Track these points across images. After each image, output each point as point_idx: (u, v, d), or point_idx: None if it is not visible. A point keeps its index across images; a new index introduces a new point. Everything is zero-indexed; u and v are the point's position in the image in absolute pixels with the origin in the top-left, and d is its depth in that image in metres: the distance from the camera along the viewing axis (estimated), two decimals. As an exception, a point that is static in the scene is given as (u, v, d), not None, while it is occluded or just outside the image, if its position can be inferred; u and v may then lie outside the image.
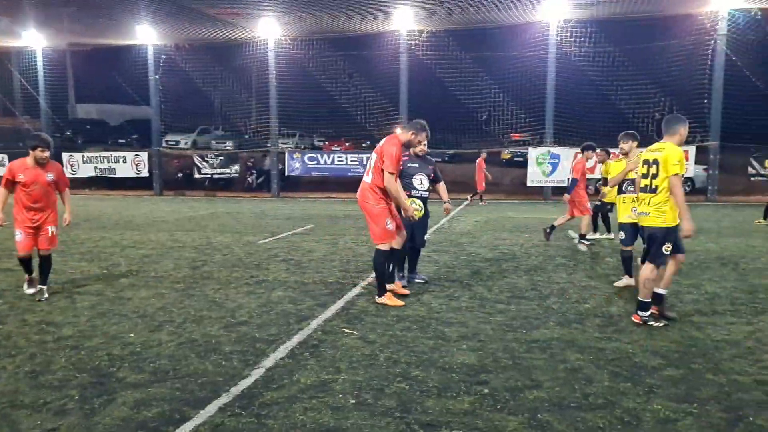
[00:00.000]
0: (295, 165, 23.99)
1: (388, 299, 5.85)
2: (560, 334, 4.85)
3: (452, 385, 3.78)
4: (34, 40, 25.04)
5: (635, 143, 6.61)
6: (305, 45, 23.24)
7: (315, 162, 23.93)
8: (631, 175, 6.27)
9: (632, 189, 6.22)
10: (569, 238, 10.64)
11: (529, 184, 21.72)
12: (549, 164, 21.11)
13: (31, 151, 5.92)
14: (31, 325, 5.12)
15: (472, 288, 6.56)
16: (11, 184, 5.98)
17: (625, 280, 6.63)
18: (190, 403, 3.51)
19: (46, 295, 6.08)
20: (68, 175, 26.83)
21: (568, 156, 20.83)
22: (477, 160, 19.56)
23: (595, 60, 20.74)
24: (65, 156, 26.22)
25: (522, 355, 4.34)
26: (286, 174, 24.24)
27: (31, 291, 6.18)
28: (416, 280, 6.78)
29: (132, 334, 4.85)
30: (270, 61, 23.36)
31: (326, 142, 29.73)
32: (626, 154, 6.59)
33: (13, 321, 5.27)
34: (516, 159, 26.04)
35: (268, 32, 22.75)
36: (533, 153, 21.40)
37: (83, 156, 26.29)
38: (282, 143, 25.17)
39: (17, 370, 4.04)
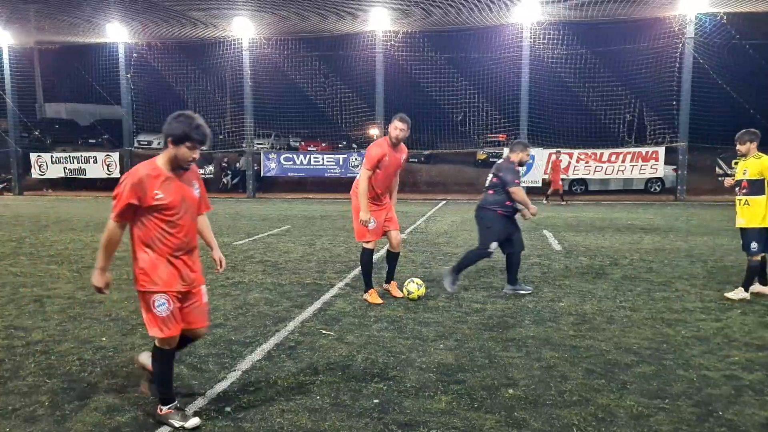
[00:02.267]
0: (270, 165, 23.82)
1: (368, 296, 5.93)
2: (535, 332, 4.91)
3: (429, 384, 3.80)
4: (0, 38, 24.36)
5: (754, 144, 6.08)
6: (280, 45, 23.09)
7: (291, 162, 23.79)
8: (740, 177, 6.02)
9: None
10: (544, 238, 10.79)
11: (504, 184, 21.94)
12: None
13: (173, 147, 3.14)
14: (-1, 331, 4.98)
15: (448, 288, 6.59)
16: (132, 213, 3.22)
17: (741, 293, 6.03)
18: (165, 407, 3.45)
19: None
20: (36, 176, 26.04)
21: (542, 156, 21.14)
22: (552, 160, 19.48)
23: (567, 62, 21.09)
24: (33, 156, 25.58)
25: (498, 353, 4.39)
26: (262, 174, 24.05)
27: (192, 424, 3.23)
28: (520, 292, 6.25)
29: (104, 338, 4.75)
30: (244, 61, 23.15)
31: (302, 143, 29.59)
32: (744, 156, 6.06)
33: (-21, 326, 5.11)
34: (491, 159, 26.25)
35: (243, 31, 22.54)
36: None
37: (52, 156, 25.69)
38: (257, 143, 24.97)
39: (-16, 377, 3.92)
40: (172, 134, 3.14)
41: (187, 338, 3.43)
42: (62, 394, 3.65)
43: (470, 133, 23.41)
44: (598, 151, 21.08)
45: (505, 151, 21.45)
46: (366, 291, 6.00)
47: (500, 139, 23.59)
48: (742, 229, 6.03)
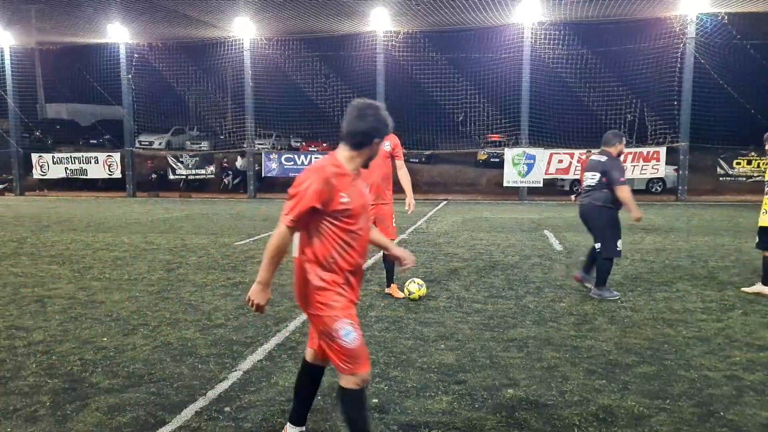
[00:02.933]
0: (272, 166, 23.82)
1: (392, 290, 6.21)
2: (536, 332, 4.91)
3: (430, 384, 3.80)
4: (2, 39, 24.39)
5: None
6: (281, 45, 23.09)
7: (292, 163, 23.79)
8: None
9: None
10: (544, 238, 10.78)
11: (505, 184, 21.96)
12: (525, 165, 21.36)
13: (361, 145, 2.72)
14: (0, 330, 4.99)
15: (449, 288, 6.59)
16: (308, 218, 2.64)
17: (759, 287, 6.18)
18: (166, 407, 3.46)
19: None
20: (38, 177, 26.03)
21: (543, 157, 21.13)
22: (580, 159, 19.31)
23: (568, 62, 21.08)
24: (34, 157, 25.59)
25: (499, 354, 4.39)
26: (263, 175, 24.04)
27: None
28: (608, 298, 6.06)
29: (105, 338, 4.76)
30: (245, 61, 23.15)
31: (303, 143, 29.60)
32: None
33: (-20, 326, 5.12)
34: (492, 160, 26.31)
35: (244, 32, 22.56)
36: (509, 154, 21.63)
37: (53, 157, 25.71)
38: (258, 144, 24.98)
39: (-15, 377, 3.93)
40: (362, 131, 2.68)
41: (316, 371, 2.93)
42: (63, 394, 3.65)
43: (471, 134, 23.41)
44: (599, 151, 21.05)
45: (506, 151, 21.52)
46: (387, 286, 6.29)
47: (497, 139, 23.60)
48: (763, 228, 6.01)
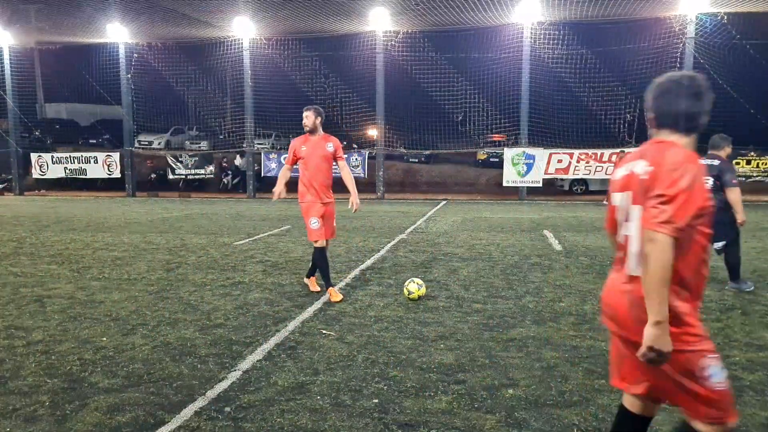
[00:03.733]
0: (271, 165, 23.82)
1: (330, 294, 6.04)
2: (536, 332, 4.91)
3: (430, 384, 3.80)
4: (1, 38, 24.38)
5: None
6: (281, 45, 23.09)
7: (291, 162, 23.76)
8: None
9: None
10: (544, 238, 10.79)
11: (504, 184, 21.96)
12: (524, 165, 21.37)
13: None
14: (0, 330, 4.99)
15: (449, 287, 6.59)
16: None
17: None
18: (165, 407, 3.46)
19: None
20: (37, 176, 26.08)
21: (542, 156, 21.13)
22: (615, 159, 19.24)
23: (568, 62, 21.08)
24: (34, 156, 25.57)
25: (498, 353, 4.39)
26: (263, 174, 24.04)
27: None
28: (745, 289, 6.39)
29: (104, 338, 4.75)
30: (245, 61, 23.15)
31: (303, 143, 29.54)
32: None
33: (-21, 326, 5.11)
34: (491, 159, 26.32)
35: (243, 31, 22.55)
36: (508, 153, 21.63)
37: (53, 156, 25.69)
38: (258, 144, 24.97)
39: (-16, 377, 3.92)
40: (700, 112, 2.25)
41: (643, 424, 2.41)
42: (63, 394, 3.65)
43: (470, 133, 23.43)
44: (599, 151, 21.07)
45: (505, 151, 21.52)
46: (327, 288, 6.12)
47: (497, 138, 23.62)
48: None
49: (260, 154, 24.10)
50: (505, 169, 21.75)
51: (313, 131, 6.12)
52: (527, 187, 21.80)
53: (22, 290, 6.49)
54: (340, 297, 6.01)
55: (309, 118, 6.09)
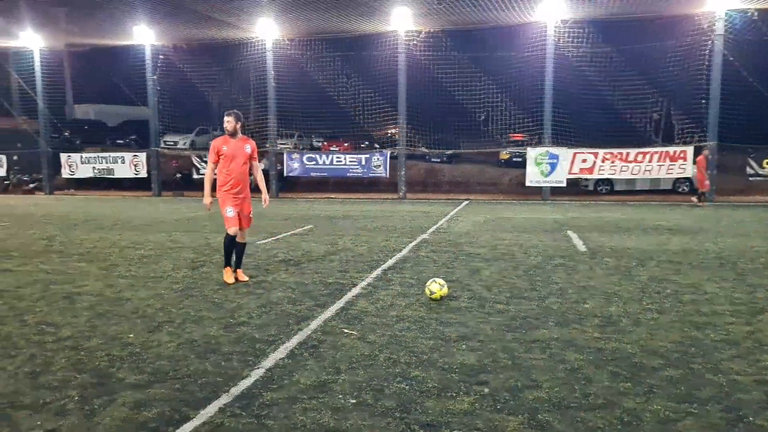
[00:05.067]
0: (293, 165, 23.99)
1: (224, 272, 6.93)
2: (560, 334, 4.85)
3: (452, 385, 3.79)
4: (32, 41, 25.00)
5: None
6: (303, 45, 23.24)
7: (314, 162, 23.93)
8: None
9: None
10: (567, 239, 10.66)
11: (527, 184, 21.76)
12: (548, 164, 21.15)
13: None
14: (31, 326, 5.11)
15: (471, 288, 6.56)
16: None
17: None
18: (190, 403, 3.51)
19: None
20: (66, 176, 26.71)
21: (566, 156, 20.88)
22: (697, 158, 18.89)
23: (592, 60, 20.80)
24: (63, 156, 26.17)
25: (521, 355, 4.35)
26: (285, 174, 24.23)
27: None
28: None
29: (131, 335, 4.85)
30: (268, 62, 23.35)
31: (325, 143, 29.76)
32: None
33: (12, 322, 5.26)
34: (514, 159, 26.10)
35: (266, 32, 22.75)
36: (532, 153, 21.43)
37: (81, 157, 26.26)
38: (280, 144, 25.17)
39: (17, 371, 4.03)
40: None
41: None
42: (91, 389, 3.73)
43: (493, 133, 23.28)
44: (624, 151, 20.73)
45: (528, 150, 21.33)
46: (224, 267, 6.97)
47: (520, 138, 23.42)
48: None
49: (283, 154, 24.29)
50: (528, 168, 21.56)
51: (233, 134, 6.84)
52: (551, 187, 21.57)
53: (52, 287, 6.65)
54: (233, 279, 6.86)
55: (230, 122, 6.78)
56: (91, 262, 8.25)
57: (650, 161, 20.55)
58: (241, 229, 6.96)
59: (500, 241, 10.38)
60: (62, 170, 26.34)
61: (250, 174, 7.14)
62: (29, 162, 27.31)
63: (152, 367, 4.10)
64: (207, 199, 6.94)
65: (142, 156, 25.42)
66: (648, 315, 5.43)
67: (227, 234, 6.88)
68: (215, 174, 6.91)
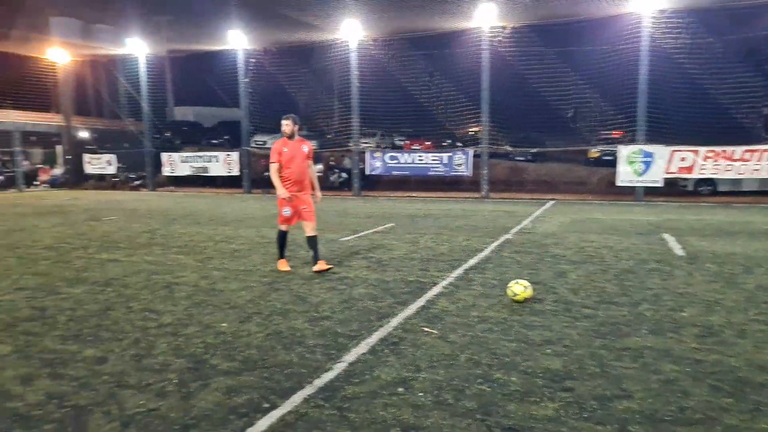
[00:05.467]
0: (375, 164, 24.28)
1: (278, 264, 7.58)
2: (653, 342, 4.59)
3: (535, 389, 3.69)
4: (137, 48, 27.00)
5: None
6: (386, 45, 23.46)
7: (395, 161, 24.09)
8: None
9: None
10: (663, 242, 10.03)
11: (618, 184, 20.68)
12: (641, 163, 19.99)
13: None
14: (136, 312, 5.54)
15: (556, 291, 6.35)
16: None
17: None
18: (277, 392, 3.66)
19: None
20: (167, 174, 28.54)
21: (663, 154, 19.64)
22: None
23: (692, 52, 19.39)
24: (164, 156, 28.09)
25: (611, 363, 4.16)
26: (367, 173, 24.58)
27: None
28: None
29: (224, 324, 5.12)
30: (352, 62, 23.78)
31: (407, 141, 29.87)
32: None
33: (119, 308, 5.72)
34: (604, 158, 24.91)
35: (351, 33, 23.19)
36: (624, 151, 20.34)
37: (180, 156, 28.06)
38: (363, 142, 25.57)
39: (123, 353, 4.39)
40: None
41: None
42: (188, 373, 3.99)
43: (581, 130, 22.34)
44: (729, 149, 19.18)
45: (620, 148, 20.29)
46: (278, 259, 7.62)
47: (612, 135, 22.27)
48: None
49: (365, 152, 24.66)
50: (619, 167, 20.48)
51: (291, 136, 7.34)
52: (644, 187, 20.38)
53: (154, 277, 7.16)
54: (287, 267, 7.46)
55: (288, 125, 7.32)
56: (188, 255, 8.81)
57: (759, 160, 18.86)
58: (306, 220, 7.38)
59: (588, 243, 9.96)
60: (163, 168, 28.27)
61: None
62: (134, 161, 29.61)
63: (242, 356, 4.31)
64: (282, 191, 7.27)
65: (235, 155, 26.72)
66: (754, 326, 5.00)
67: (279, 230, 7.48)
68: (279, 172, 7.35)
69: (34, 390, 3.70)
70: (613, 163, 21.73)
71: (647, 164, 19.93)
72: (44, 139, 31.12)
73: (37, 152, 31.86)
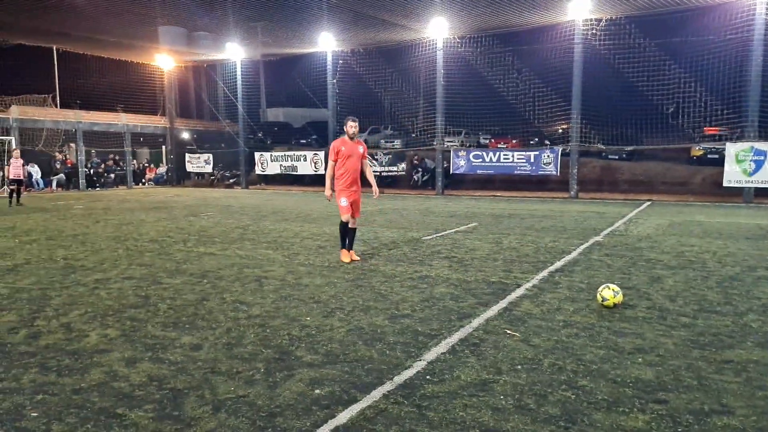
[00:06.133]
0: (460, 163, 24.07)
1: (341, 254, 8.18)
2: (760, 356, 4.21)
3: (624, 399, 3.51)
4: (234, 53, 28.49)
5: None
6: (473, 42, 23.15)
7: (480, 160, 23.75)
8: None
9: None
10: (776, 248, 9.17)
11: (725, 184, 19.13)
12: (752, 161, 18.37)
13: None
14: (228, 303, 5.87)
15: (650, 297, 5.99)
16: None
17: None
18: (358, 386, 3.74)
19: None
20: (258, 172, 29.84)
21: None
22: None
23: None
24: (257, 155, 29.45)
25: (710, 375, 3.86)
26: (451, 172, 24.41)
27: None
28: None
29: (308, 318, 5.30)
30: (438, 61, 23.70)
31: (492, 140, 29.33)
32: None
33: (214, 299, 6.08)
34: (709, 156, 23.14)
35: (437, 32, 23.10)
36: (732, 149, 18.79)
37: (271, 155, 29.31)
38: (448, 141, 25.41)
39: (217, 342, 4.66)
40: None
41: None
42: (274, 363, 4.17)
43: (683, 127, 20.83)
44: None
45: (727, 146, 18.74)
46: (341, 249, 8.25)
47: (717, 132, 20.59)
48: None
49: (450, 151, 24.50)
50: (726, 166, 18.94)
51: (352, 137, 7.93)
52: (755, 188, 18.71)
53: (245, 270, 7.54)
54: (348, 258, 8.01)
55: (355, 127, 7.90)
56: (276, 250, 9.19)
57: None
58: (353, 216, 8.01)
59: (688, 247, 9.31)
60: (255, 167, 29.67)
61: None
62: (230, 160, 31.30)
63: (325, 349, 4.44)
64: (328, 192, 8.04)
65: (321, 154, 27.51)
66: None
67: (341, 221, 8.08)
68: (333, 171, 7.99)
69: (138, 372, 4.02)
70: (719, 162, 20.14)
71: (759, 163, 18.29)
72: (151, 140, 33.68)
73: (144, 152, 34.55)
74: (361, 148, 8.04)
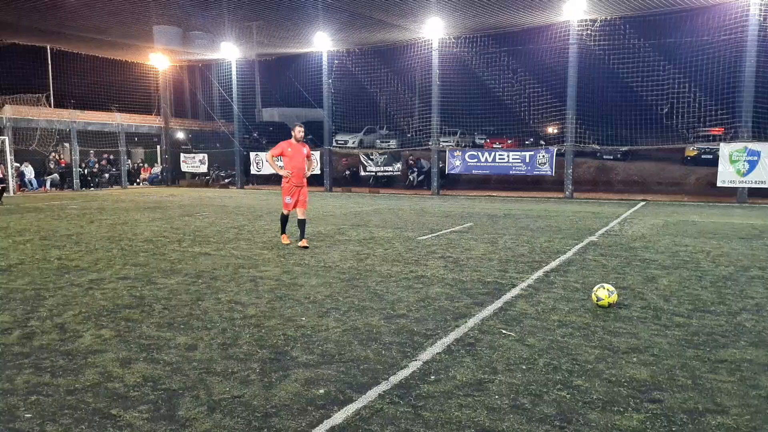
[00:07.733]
0: (455, 163, 24.09)
1: (282, 238, 9.74)
2: (754, 355, 4.24)
3: (619, 399, 3.52)
4: (230, 52, 28.41)
5: None
6: (469, 42, 23.18)
7: (476, 160, 23.78)
8: None
9: None
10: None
11: (719, 184, 19.23)
12: (746, 162, 18.47)
13: None
14: (223, 303, 5.85)
15: (645, 297, 6.02)
16: None
17: None
18: (353, 386, 3.74)
19: None
20: (254, 172, 29.72)
21: (771, 152, 18.03)
22: None
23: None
24: (252, 155, 29.38)
25: (704, 375, 3.88)
26: (447, 172, 24.43)
27: None
28: None
29: (304, 318, 5.29)
30: (433, 61, 23.71)
31: (487, 140, 29.37)
32: None
33: (209, 299, 6.06)
34: (703, 156, 23.26)
35: (433, 32, 23.11)
36: (725, 149, 18.89)
37: (266, 155, 29.26)
38: (443, 141, 25.44)
39: (212, 342, 4.65)
40: None
41: None
42: (270, 363, 4.16)
43: (677, 127, 20.93)
44: None
45: (721, 146, 18.83)
46: (281, 234, 9.80)
47: (715, 132, 20.68)
48: None
49: (445, 151, 24.52)
50: (720, 166, 19.04)
51: (299, 140, 9.33)
52: (749, 188, 18.81)
53: (240, 270, 7.53)
54: (288, 241, 9.57)
55: (301, 132, 9.38)
56: (271, 250, 9.17)
57: None
58: (301, 207, 9.36)
59: (682, 247, 9.35)
60: (251, 167, 29.59)
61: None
62: (225, 160, 31.20)
63: (321, 349, 4.44)
64: (284, 171, 9.28)
65: (316, 154, 27.47)
66: None
67: (282, 213, 9.58)
68: (272, 159, 9.47)
69: (132, 372, 4.00)
70: (712, 162, 20.25)
71: (752, 163, 18.40)
72: (145, 140, 33.55)
73: (139, 152, 34.42)
74: (305, 150, 9.39)
